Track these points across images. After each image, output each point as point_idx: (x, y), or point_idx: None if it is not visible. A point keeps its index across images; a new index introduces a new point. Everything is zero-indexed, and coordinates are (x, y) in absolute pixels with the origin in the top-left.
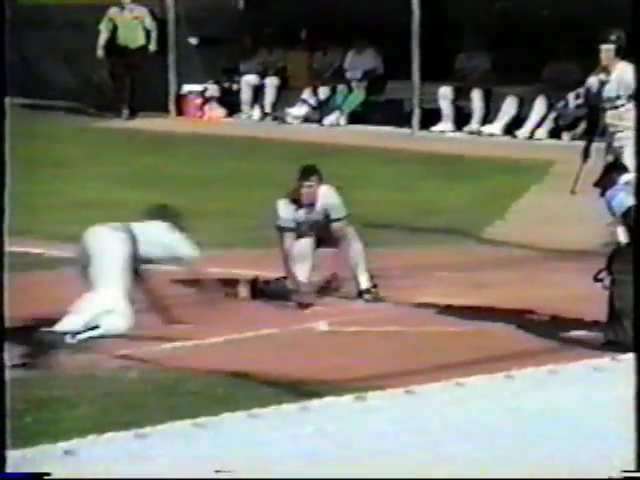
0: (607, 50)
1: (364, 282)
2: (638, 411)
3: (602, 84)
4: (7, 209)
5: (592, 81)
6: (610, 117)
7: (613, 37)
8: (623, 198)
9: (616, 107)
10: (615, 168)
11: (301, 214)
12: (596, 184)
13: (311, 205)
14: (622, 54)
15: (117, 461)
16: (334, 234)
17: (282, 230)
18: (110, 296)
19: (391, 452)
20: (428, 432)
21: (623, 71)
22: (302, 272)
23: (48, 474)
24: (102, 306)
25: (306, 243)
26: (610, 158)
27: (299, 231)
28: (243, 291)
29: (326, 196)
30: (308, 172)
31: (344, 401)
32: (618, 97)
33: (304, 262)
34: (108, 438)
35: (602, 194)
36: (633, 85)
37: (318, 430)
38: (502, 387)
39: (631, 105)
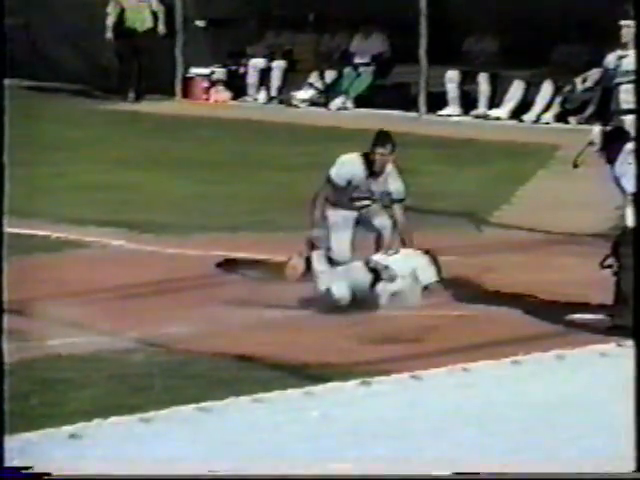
0: (627, 26)
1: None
2: (638, 411)
3: (620, 59)
4: (13, 191)
5: (610, 59)
6: (624, 92)
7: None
8: (635, 178)
9: (631, 82)
10: (619, 135)
11: (361, 177)
12: (600, 149)
13: (378, 175)
14: None
15: (122, 445)
16: (376, 216)
17: (330, 182)
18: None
19: (396, 437)
20: (433, 417)
21: None
22: (342, 244)
23: (48, 474)
24: None
25: (349, 216)
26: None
27: (344, 194)
28: (298, 264)
29: (392, 174)
30: (384, 138)
31: (349, 386)
32: (634, 71)
33: (345, 233)
34: (113, 422)
35: (608, 161)
36: None
37: (323, 415)
38: (508, 372)
39: None
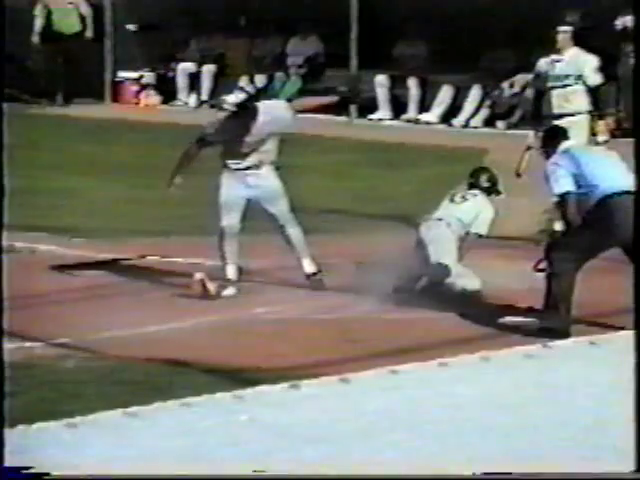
0: (564, 32)
1: (308, 266)
2: (638, 409)
3: (553, 63)
4: None
5: (542, 63)
6: (556, 96)
7: (570, 19)
8: (562, 179)
9: (564, 86)
10: (556, 134)
11: (234, 133)
12: (539, 148)
13: (249, 125)
14: (575, 39)
15: (47, 451)
16: (287, 225)
17: (204, 140)
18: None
19: (325, 440)
20: (362, 420)
21: (576, 53)
22: (231, 221)
23: (48, 474)
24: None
25: (241, 196)
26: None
27: (229, 148)
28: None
29: (269, 110)
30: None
31: (278, 389)
32: (567, 76)
33: (235, 213)
34: (38, 428)
35: (546, 157)
36: (584, 68)
37: (252, 419)
38: (435, 374)
39: (578, 87)
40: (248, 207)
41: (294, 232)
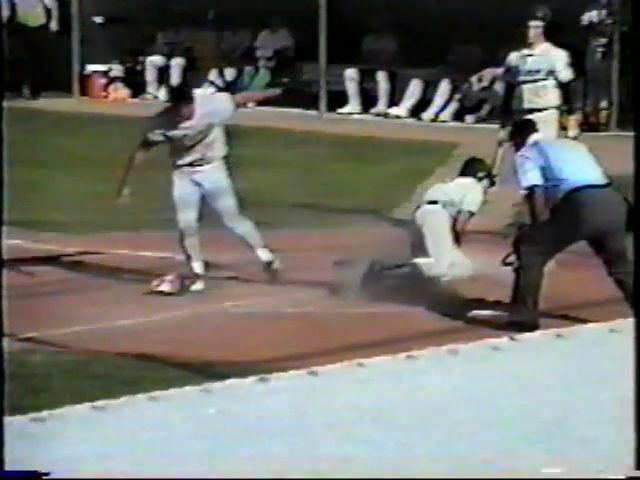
0: (535, 26)
1: (264, 256)
2: (638, 408)
3: (524, 57)
4: None
5: (513, 57)
6: (527, 91)
7: (540, 14)
8: (530, 173)
9: (534, 81)
10: (525, 127)
11: (172, 127)
12: (509, 140)
13: (188, 118)
14: (547, 34)
15: (14, 446)
16: (236, 222)
17: (148, 143)
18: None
19: (294, 433)
20: (330, 413)
21: (547, 48)
22: (188, 218)
23: (47, 474)
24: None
25: (193, 192)
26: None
27: (176, 148)
28: (172, 285)
29: (208, 101)
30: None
31: (247, 383)
32: (538, 71)
33: (191, 210)
34: (4, 423)
35: (516, 150)
36: (555, 63)
37: (220, 412)
38: (403, 367)
39: (549, 82)
40: (203, 204)
41: (243, 228)
